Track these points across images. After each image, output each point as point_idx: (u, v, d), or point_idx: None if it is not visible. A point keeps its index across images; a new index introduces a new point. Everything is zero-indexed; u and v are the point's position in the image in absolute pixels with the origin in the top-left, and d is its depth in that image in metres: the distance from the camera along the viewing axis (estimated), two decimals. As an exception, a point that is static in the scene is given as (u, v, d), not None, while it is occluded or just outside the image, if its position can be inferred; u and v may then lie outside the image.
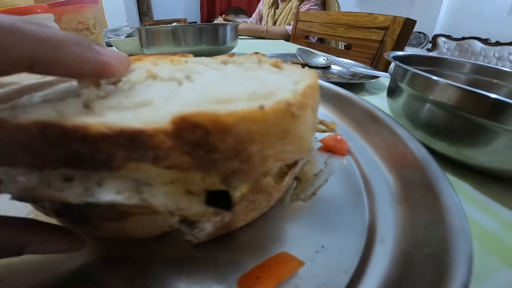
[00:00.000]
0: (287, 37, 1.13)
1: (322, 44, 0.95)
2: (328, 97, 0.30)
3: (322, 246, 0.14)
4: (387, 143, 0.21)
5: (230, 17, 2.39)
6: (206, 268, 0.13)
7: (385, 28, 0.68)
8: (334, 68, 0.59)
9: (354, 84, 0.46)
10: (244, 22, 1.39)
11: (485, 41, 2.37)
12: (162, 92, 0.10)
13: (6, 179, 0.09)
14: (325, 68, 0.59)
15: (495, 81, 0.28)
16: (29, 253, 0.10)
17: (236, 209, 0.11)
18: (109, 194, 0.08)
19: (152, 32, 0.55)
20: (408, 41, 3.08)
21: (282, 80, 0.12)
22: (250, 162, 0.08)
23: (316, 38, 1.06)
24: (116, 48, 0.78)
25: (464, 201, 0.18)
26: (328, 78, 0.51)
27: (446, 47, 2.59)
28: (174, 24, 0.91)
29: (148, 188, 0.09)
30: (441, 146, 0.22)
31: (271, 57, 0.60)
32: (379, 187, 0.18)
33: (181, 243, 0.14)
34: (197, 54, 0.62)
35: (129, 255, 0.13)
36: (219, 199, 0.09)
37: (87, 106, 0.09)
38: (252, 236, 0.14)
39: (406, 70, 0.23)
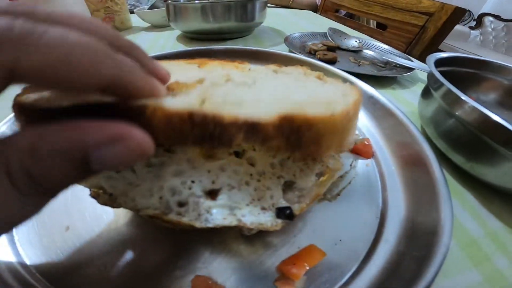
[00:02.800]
0: (315, 8, 1.07)
1: (353, 20, 0.91)
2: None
3: (340, 240, 0.19)
4: (404, 146, 0.25)
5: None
6: (248, 253, 0.18)
7: (429, 14, 0.64)
8: (366, 52, 0.58)
9: (386, 77, 0.46)
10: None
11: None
12: (251, 93, 0.14)
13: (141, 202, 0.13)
14: (357, 51, 0.59)
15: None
16: (97, 165, 0.09)
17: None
18: (218, 220, 0.13)
19: (180, 8, 0.56)
20: None
21: (332, 92, 0.16)
22: (321, 148, 0.13)
23: (345, 11, 1.00)
24: (142, 18, 0.79)
25: (462, 207, 0.22)
26: (360, 65, 0.51)
27: (492, 27, 2.34)
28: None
29: (238, 210, 0.13)
30: (458, 159, 0.25)
31: (302, 34, 0.60)
32: (392, 190, 0.22)
33: (230, 233, 0.18)
34: (225, 30, 0.63)
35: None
36: (284, 213, 0.14)
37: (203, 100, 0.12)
38: (285, 229, 0.19)
39: (442, 84, 0.25)
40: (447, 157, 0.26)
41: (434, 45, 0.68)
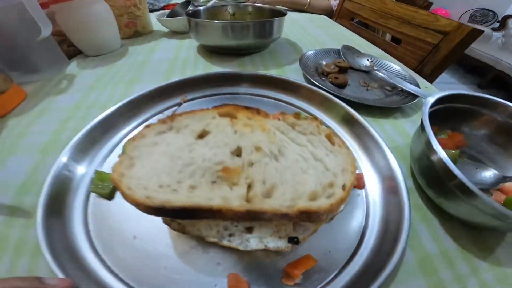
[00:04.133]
0: (330, 13, 1.12)
1: (368, 30, 0.96)
2: (358, 131, 0.41)
3: (329, 251, 0.28)
4: (388, 179, 0.33)
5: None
6: (264, 258, 0.27)
7: (445, 33, 0.69)
8: (377, 72, 0.64)
9: (391, 108, 0.51)
10: (279, 18, 1.35)
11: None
12: (279, 175, 0.24)
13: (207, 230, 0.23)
14: (368, 72, 0.65)
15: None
16: None
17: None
18: (253, 245, 0.23)
19: (202, 24, 0.64)
20: (473, 17, 2.76)
21: (334, 168, 0.25)
22: (321, 221, 0.23)
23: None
24: (164, 26, 0.87)
25: (427, 230, 0.31)
26: (368, 89, 0.58)
27: None
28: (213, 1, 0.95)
29: (265, 239, 0.23)
30: (431, 193, 0.33)
31: (315, 52, 0.67)
32: (373, 216, 0.31)
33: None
34: (243, 47, 0.72)
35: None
36: (293, 240, 0.24)
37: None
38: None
39: (424, 129, 0.33)
40: (423, 191, 0.34)
41: (444, 65, 0.74)
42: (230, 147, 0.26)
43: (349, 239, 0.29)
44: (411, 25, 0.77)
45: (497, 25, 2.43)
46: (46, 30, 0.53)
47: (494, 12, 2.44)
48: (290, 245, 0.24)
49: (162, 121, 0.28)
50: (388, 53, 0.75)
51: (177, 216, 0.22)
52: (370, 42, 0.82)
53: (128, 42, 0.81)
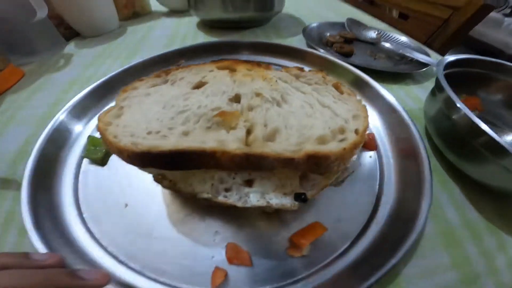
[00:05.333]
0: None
1: (374, 6, 0.89)
2: (369, 94, 0.36)
3: (339, 220, 0.24)
4: (403, 141, 0.29)
5: None
6: (266, 228, 0.23)
7: (455, 8, 0.62)
8: (384, 44, 0.59)
9: (401, 74, 0.47)
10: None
11: None
12: (282, 119, 0.20)
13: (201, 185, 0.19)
14: (374, 44, 0.60)
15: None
16: None
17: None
18: (253, 201, 0.19)
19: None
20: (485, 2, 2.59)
21: (345, 114, 0.21)
22: (332, 169, 0.19)
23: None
24: (161, 3, 0.81)
25: (448, 199, 0.27)
26: (376, 58, 0.53)
27: None
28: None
29: (267, 195, 0.19)
30: (451, 157, 0.29)
31: (319, 24, 0.61)
32: (387, 180, 0.27)
33: (254, 213, 0.24)
34: (244, 20, 0.66)
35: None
36: (300, 197, 0.20)
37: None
38: (298, 212, 0.24)
39: (443, 88, 0.28)
40: (443, 154, 0.30)
41: (456, 40, 0.67)
42: (228, 94, 0.22)
43: (362, 206, 0.25)
44: (417, 0, 0.71)
45: (508, 10, 2.28)
46: (42, 12, 0.51)
47: None
48: (296, 203, 0.20)
49: (157, 75, 0.25)
50: (395, 29, 0.69)
51: (166, 166, 0.18)
52: (377, 18, 0.75)
53: (126, 23, 0.76)
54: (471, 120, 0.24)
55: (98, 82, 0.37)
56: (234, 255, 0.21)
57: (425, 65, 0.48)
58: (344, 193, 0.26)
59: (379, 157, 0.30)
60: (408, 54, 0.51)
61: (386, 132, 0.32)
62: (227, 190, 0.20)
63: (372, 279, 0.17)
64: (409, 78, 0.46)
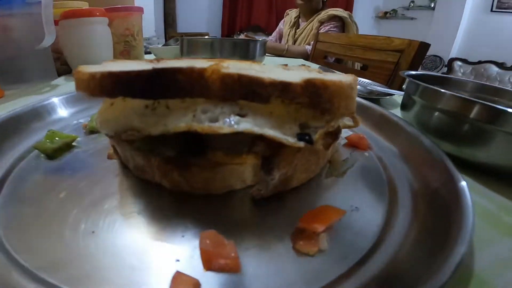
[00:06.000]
0: (306, 57, 1.22)
1: (339, 64, 1.03)
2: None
3: (356, 207, 0.18)
4: (400, 139, 0.27)
5: (249, 34, 2.57)
6: (262, 215, 0.18)
7: (400, 51, 0.75)
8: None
9: (371, 99, 0.52)
10: (263, 40, 1.52)
11: (501, 65, 2.40)
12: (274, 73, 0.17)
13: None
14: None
15: (495, 98, 0.34)
16: None
17: (297, 165, 0.17)
18: (245, 126, 0.15)
19: (193, 42, 0.65)
20: (424, 65, 3.18)
21: (335, 76, 0.19)
22: (333, 106, 0.16)
23: (333, 58, 1.14)
24: (155, 54, 0.89)
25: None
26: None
27: (462, 71, 2.64)
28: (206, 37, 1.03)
29: (263, 128, 0.15)
30: (446, 146, 0.27)
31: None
32: (394, 167, 0.24)
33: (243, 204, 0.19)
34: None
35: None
36: (305, 139, 0.16)
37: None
38: (300, 198, 0.20)
39: (419, 85, 0.29)
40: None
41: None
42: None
43: (375, 193, 0.20)
44: (373, 50, 0.84)
45: (445, 69, 2.74)
46: (49, 39, 0.51)
47: (440, 58, 2.76)
48: (302, 143, 0.16)
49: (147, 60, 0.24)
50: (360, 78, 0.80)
51: (142, 91, 0.15)
52: (343, 73, 0.86)
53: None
54: (458, 97, 0.24)
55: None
56: (213, 254, 0.14)
57: (390, 95, 0.53)
58: (350, 183, 0.22)
59: (375, 153, 0.27)
60: (375, 89, 0.57)
61: (378, 133, 0.31)
62: (212, 121, 0.15)
63: (446, 274, 0.11)
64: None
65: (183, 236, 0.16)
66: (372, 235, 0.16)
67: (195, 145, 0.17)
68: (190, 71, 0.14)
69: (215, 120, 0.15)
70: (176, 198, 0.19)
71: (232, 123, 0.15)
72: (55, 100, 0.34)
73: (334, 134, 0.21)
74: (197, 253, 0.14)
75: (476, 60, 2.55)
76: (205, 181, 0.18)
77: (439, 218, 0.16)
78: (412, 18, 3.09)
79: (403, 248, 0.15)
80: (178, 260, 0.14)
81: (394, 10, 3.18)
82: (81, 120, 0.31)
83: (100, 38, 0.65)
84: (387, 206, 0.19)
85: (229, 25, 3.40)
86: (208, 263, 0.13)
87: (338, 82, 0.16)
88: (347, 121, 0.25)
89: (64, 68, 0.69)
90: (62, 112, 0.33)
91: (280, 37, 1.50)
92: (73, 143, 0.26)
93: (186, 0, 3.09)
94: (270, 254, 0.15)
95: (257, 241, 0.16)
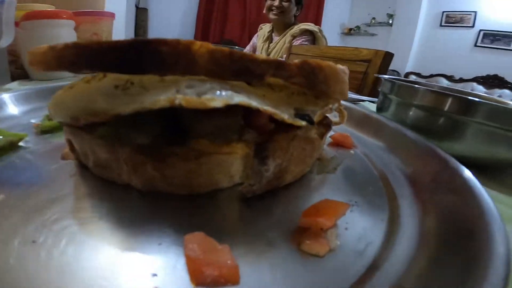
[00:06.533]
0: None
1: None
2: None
3: (356, 202, 0.17)
4: (384, 135, 0.27)
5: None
6: (256, 214, 0.16)
7: (368, 61, 0.80)
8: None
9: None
10: (240, 49, 1.53)
11: (450, 78, 2.71)
12: None
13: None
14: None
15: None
16: None
17: (293, 154, 0.16)
18: (241, 99, 0.13)
19: None
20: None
21: None
22: (329, 88, 0.16)
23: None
24: None
25: None
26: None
27: None
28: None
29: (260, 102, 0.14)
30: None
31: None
32: (383, 163, 0.23)
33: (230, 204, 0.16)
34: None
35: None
36: (304, 119, 0.15)
37: None
38: (295, 195, 0.18)
39: (394, 83, 0.30)
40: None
41: (376, 87, 0.82)
42: None
43: (371, 187, 0.19)
44: (343, 61, 0.88)
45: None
46: (6, 40, 0.49)
47: (398, 72, 3.00)
48: (304, 121, 0.14)
49: None
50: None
51: (117, 64, 0.12)
52: None
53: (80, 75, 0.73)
54: (432, 91, 0.25)
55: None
56: (203, 263, 0.11)
57: (362, 101, 0.56)
58: (343, 178, 0.21)
59: (362, 152, 0.27)
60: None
61: (360, 132, 0.31)
62: (199, 94, 0.13)
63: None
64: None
65: (160, 244, 0.13)
66: (381, 228, 0.15)
67: (174, 130, 0.14)
68: (176, 42, 0.12)
69: (203, 94, 0.13)
70: (148, 201, 0.16)
71: (225, 95, 0.13)
72: (5, 96, 0.29)
73: (326, 125, 0.20)
74: (181, 263, 0.11)
75: (429, 74, 2.84)
76: (187, 175, 0.15)
77: (452, 204, 0.15)
78: (373, 34, 3.36)
79: (423, 239, 0.14)
80: (155, 275, 0.11)
81: (358, 27, 3.45)
82: (33, 120, 0.26)
83: (62, 41, 0.63)
84: (386, 198, 0.18)
85: (202, 39, 3.38)
86: (198, 276, 0.10)
87: (332, 65, 0.16)
88: (333, 117, 0.25)
89: (19, 72, 0.63)
90: (12, 109, 0.29)
91: (254, 51, 1.53)
92: (20, 143, 0.21)
93: (158, 13, 3.05)
94: (272, 259, 0.12)
95: (254, 245, 0.13)
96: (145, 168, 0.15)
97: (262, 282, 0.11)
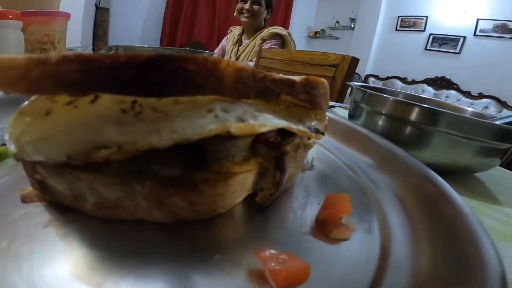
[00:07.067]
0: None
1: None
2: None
3: (342, 191, 0.19)
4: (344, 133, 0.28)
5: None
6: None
7: (335, 66, 0.82)
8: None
9: None
10: (209, 53, 1.49)
11: (404, 80, 2.95)
12: None
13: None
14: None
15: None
16: None
17: (298, 161, 0.18)
18: (279, 123, 0.15)
19: (131, 50, 0.58)
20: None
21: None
22: (326, 101, 0.18)
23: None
24: None
25: None
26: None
27: (375, 85, 3.15)
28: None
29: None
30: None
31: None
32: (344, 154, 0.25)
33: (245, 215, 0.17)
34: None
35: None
36: (316, 130, 0.17)
37: None
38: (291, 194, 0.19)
39: (365, 92, 0.31)
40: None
41: (344, 91, 0.85)
42: None
43: (349, 177, 0.22)
44: (312, 65, 0.90)
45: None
46: None
47: (359, 74, 3.18)
48: (321, 134, 0.17)
49: None
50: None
51: (128, 85, 0.10)
52: None
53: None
54: (400, 101, 0.25)
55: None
56: (285, 272, 0.11)
57: (332, 107, 0.57)
58: (320, 173, 0.22)
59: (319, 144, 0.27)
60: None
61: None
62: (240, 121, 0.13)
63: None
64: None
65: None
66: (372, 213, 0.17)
67: (197, 157, 0.14)
68: (204, 60, 0.11)
69: (241, 118, 0.13)
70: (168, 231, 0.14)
71: (263, 119, 0.14)
72: None
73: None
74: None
75: (385, 76, 3.07)
76: (213, 199, 0.14)
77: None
78: (337, 38, 3.51)
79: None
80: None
81: (323, 30, 3.58)
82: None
83: (11, 45, 0.56)
84: (372, 184, 0.21)
85: (169, 42, 3.26)
86: (285, 284, 0.11)
87: (324, 80, 0.18)
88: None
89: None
90: None
91: (223, 54, 1.50)
92: None
93: (121, 14, 2.84)
94: (316, 251, 0.14)
95: (295, 243, 0.14)
96: (171, 200, 0.13)
97: (321, 272, 0.12)
